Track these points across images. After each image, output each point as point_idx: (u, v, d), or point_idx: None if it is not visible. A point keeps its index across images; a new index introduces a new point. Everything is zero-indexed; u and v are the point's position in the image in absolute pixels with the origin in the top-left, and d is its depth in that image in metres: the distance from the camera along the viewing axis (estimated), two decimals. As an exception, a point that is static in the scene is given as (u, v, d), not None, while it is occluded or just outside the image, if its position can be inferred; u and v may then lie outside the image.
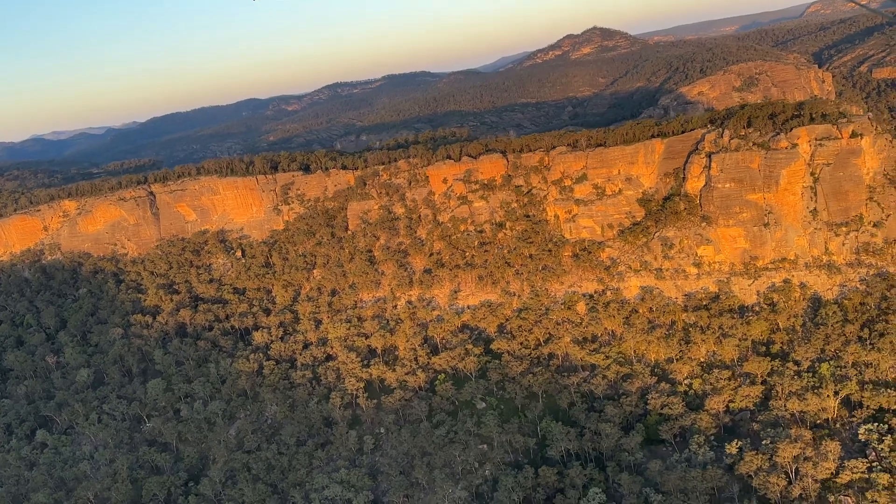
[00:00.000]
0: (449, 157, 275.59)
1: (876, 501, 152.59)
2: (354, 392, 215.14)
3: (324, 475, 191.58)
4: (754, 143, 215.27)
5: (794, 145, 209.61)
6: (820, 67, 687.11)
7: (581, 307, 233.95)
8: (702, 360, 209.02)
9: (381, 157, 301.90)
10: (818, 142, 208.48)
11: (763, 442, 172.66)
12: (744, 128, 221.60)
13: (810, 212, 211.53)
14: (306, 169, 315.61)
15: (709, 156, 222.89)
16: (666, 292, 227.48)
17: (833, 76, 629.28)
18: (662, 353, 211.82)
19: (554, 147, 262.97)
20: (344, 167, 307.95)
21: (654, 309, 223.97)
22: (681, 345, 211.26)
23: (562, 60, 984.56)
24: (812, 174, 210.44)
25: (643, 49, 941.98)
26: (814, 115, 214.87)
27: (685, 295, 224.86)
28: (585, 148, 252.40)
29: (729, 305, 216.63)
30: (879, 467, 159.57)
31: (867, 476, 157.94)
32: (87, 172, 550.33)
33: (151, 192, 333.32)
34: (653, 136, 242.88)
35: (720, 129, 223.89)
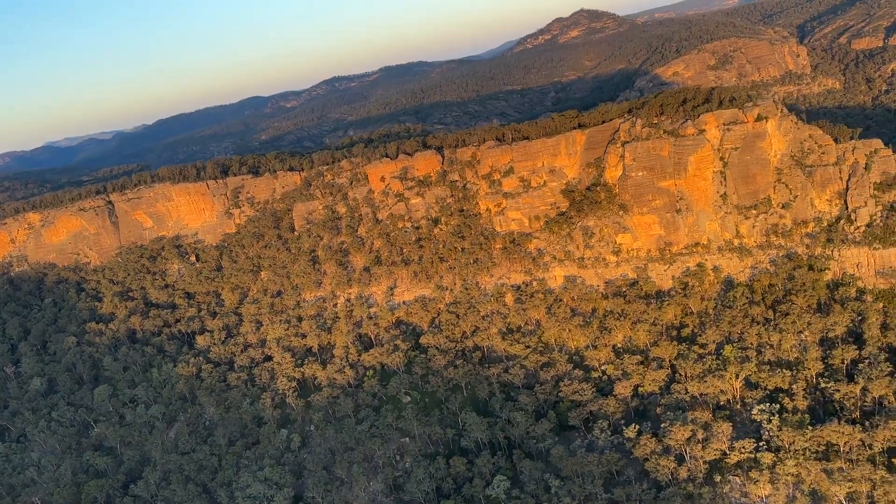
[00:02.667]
0: (386, 156, 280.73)
1: (757, 480, 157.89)
2: (285, 392, 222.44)
3: (249, 474, 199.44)
4: (665, 131, 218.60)
5: (702, 131, 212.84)
6: (803, 39, 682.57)
7: (509, 298, 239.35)
8: (619, 345, 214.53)
9: (326, 157, 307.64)
10: (726, 126, 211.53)
11: (662, 425, 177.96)
12: (657, 116, 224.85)
13: (720, 196, 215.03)
14: (255, 172, 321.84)
15: (623, 145, 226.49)
16: (588, 280, 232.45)
17: (813, 48, 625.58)
18: (582, 341, 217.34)
19: (485, 141, 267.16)
20: (291, 169, 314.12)
21: (577, 297, 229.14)
22: (599, 332, 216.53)
23: (550, 45, 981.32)
24: (721, 159, 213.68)
25: (630, 29, 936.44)
26: (722, 101, 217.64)
27: (606, 282, 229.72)
28: (511, 142, 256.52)
29: (646, 291, 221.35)
30: (765, 447, 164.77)
31: (754, 456, 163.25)
32: (77, 181, 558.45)
33: (110, 202, 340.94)
34: (574, 128, 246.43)
35: (634, 119, 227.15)
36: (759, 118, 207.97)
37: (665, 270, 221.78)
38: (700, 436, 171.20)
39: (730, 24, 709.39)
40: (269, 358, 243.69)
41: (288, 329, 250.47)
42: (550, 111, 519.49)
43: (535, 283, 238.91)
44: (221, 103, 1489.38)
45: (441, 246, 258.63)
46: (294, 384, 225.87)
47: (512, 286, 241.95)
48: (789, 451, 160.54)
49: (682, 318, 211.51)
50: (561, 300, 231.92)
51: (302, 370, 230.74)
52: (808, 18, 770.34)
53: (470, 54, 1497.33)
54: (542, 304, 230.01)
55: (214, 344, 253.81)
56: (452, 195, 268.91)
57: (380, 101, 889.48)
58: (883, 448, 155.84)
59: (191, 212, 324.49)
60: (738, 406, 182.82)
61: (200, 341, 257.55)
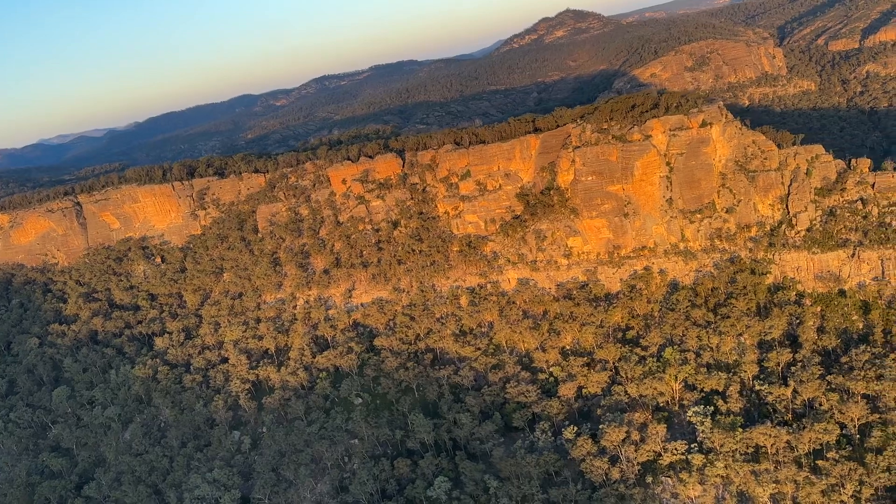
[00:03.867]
0: (347, 159, 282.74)
1: (686, 482, 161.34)
2: (238, 394, 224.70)
3: (199, 475, 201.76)
4: (613, 137, 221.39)
5: (648, 137, 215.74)
6: (783, 40, 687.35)
7: (464, 301, 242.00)
8: (567, 347, 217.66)
9: (290, 159, 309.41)
10: (672, 132, 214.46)
11: (600, 426, 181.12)
12: (606, 121, 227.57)
13: (667, 200, 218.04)
14: (221, 174, 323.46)
15: (574, 150, 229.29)
16: (540, 283, 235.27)
17: (792, 50, 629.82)
18: (532, 343, 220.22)
19: (444, 144, 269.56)
20: (256, 171, 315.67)
21: (528, 300, 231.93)
22: (549, 334, 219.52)
23: (536, 45, 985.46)
24: (668, 164, 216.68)
25: (615, 30, 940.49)
26: (669, 107, 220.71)
27: (557, 285, 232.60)
28: (469, 146, 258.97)
29: (595, 294, 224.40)
30: (697, 448, 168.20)
31: (685, 457, 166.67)
32: (59, 179, 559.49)
33: (78, 203, 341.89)
34: (529, 132, 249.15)
35: (584, 124, 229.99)
36: (703, 124, 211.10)
37: (614, 273, 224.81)
38: (635, 437, 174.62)
39: (709, 26, 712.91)
40: (225, 360, 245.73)
41: (246, 331, 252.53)
42: (533, 111, 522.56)
43: (489, 286, 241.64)
44: (213, 101, 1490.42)
45: (400, 248, 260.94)
46: (248, 386, 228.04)
47: (467, 288, 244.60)
48: (719, 452, 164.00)
49: (628, 320, 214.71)
50: (514, 302, 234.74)
51: (256, 372, 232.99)
52: (789, 19, 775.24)
53: (463, 52, 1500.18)
54: (494, 307, 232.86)
55: (172, 346, 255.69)
56: (413, 198, 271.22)
57: (365, 101, 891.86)
58: (809, 450, 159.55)
59: (157, 213, 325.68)
60: (677, 408, 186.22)
61: (159, 343, 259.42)
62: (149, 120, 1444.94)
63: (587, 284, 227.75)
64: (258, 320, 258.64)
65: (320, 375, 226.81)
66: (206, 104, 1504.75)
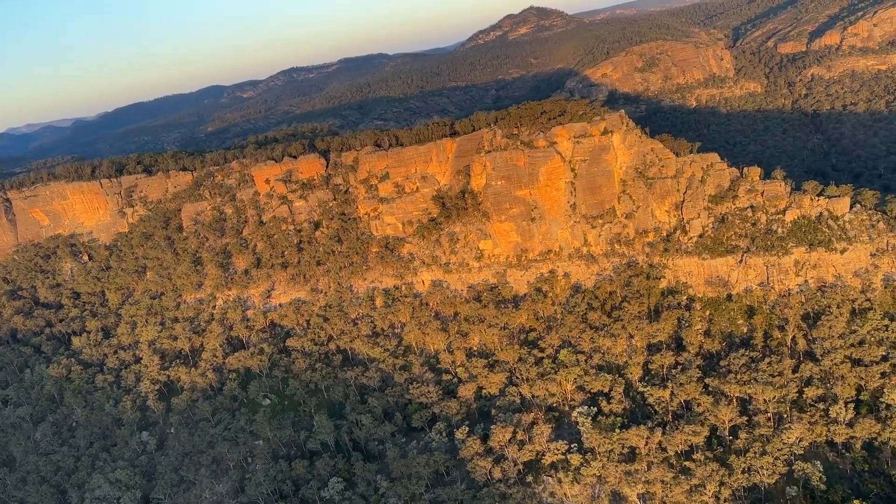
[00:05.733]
0: (271, 159, 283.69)
1: (562, 481, 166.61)
2: (147, 394, 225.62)
3: (102, 475, 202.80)
4: (521, 142, 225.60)
5: (553, 143, 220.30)
6: (737, 41, 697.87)
7: (379, 302, 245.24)
8: (474, 349, 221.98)
9: (218, 157, 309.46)
10: (576, 139, 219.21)
11: (491, 426, 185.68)
12: (516, 127, 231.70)
13: (571, 206, 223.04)
14: (150, 171, 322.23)
15: (486, 154, 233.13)
16: (452, 285, 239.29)
17: (743, 51, 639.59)
18: (440, 344, 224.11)
19: (366, 146, 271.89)
20: (184, 168, 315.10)
21: (441, 301, 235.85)
22: (457, 335, 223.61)
23: (500, 41, 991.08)
24: (573, 170, 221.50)
25: (577, 28, 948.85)
26: (575, 114, 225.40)
27: (469, 287, 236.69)
28: (388, 148, 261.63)
29: (503, 296, 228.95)
30: (576, 448, 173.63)
31: (565, 457, 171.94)
32: (9, 172, 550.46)
33: (7, 199, 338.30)
34: (446, 136, 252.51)
35: (495, 129, 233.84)
36: (605, 132, 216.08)
37: (522, 276, 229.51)
38: (521, 437, 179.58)
39: (663, 26, 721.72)
40: (139, 360, 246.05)
41: (161, 331, 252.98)
42: (491, 108, 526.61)
43: (404, 287, 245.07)
44: (182, 92, 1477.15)
45: (320, 249, 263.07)
46: (157, 387, 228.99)
47: (383, 290, 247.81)
48: (597, 453, 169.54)
49: (533, 322, 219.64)
50: (426, 304, 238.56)
51: (168, 373, 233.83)
52: (744, 20, 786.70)
53: (438, 46, 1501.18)
54: (407, 308, 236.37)
55: (89, 345, 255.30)
56: (335, 199, 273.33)
57: (326, 96, 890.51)
58: (679, 451, 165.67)
59: (86, 210, 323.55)
60: (567, 408, 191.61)
61: (76, 342, 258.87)
62: (116, 110, 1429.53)
63: (496, 286, 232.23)
64: (176, 320, 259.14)
65: (230, 376, 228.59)
66: (175, 95, 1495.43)
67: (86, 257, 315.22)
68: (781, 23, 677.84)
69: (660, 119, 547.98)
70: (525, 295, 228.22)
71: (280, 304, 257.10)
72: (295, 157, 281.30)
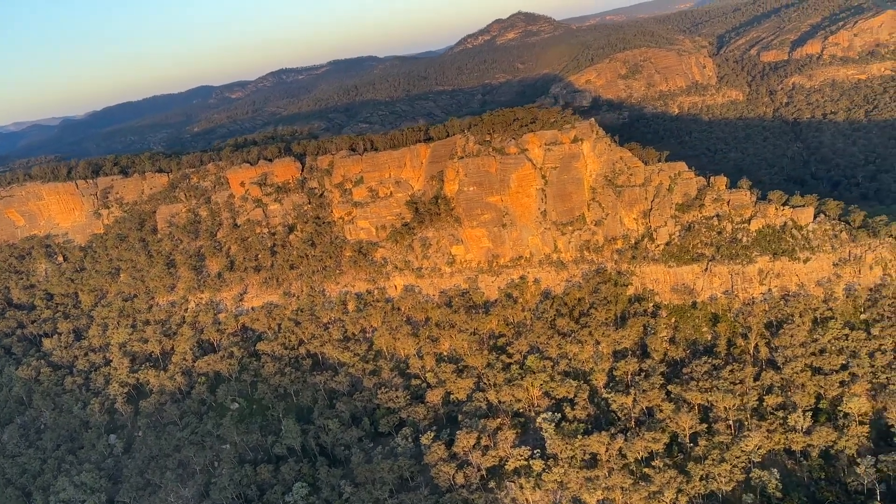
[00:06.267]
0: (246, 161, 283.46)
1: (523, 486, 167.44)
2: (115, 397, 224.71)
3: (67, 478, 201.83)
4: (494, 149, 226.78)
5: (524, 150, 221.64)
6: (720, 49, 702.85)
7: (352, 306, 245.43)
8: (444, 354, 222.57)
9: (194, 159, 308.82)
10: (547, 147, 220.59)
11: (458, 432, 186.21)
12: (489, 133, 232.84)
13: (541, 212, 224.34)
14: (126, 172, 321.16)
15: (459, 160, 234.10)
16: (424, 290, 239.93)
17: (726, 59, 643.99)
18: (410, 349, 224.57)
19: (341, 150, 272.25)
20: (160, 170, 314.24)
21: (413, 306, 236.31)
22: (427, 340, 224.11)
23: (488, 46, 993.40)
24: (543, 177, 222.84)
25: (563, 34, 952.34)
26: (546, 122, 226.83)
27: (440, 292, 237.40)
28: (363, 152, 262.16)
29: (474, 301, 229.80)
30: (539, 454, 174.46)
31: (528, 463, 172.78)
32: None
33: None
34: (420, 141, 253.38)
35: (468, 136, 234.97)
36: (575, 140, 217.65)
37: (493, 282, 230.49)
38: (486, 443, 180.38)
39: (648, 34, 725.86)
40: (109, 362, 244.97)
41: (133, 333, 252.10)
42: (477, 113, 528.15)
43: (376, 292, 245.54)
44: (171, 92, 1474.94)
45: (294, 253, 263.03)
46: (126, 390, 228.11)
47: (355, 294, 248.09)
48: (560, 458, 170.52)
49: (502, 328, 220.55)
50: (398, 309, 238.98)
51: (137, 376, 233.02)
52: (729, 29, 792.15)
53: (430, 49, 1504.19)
54: (379, 313, 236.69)
55: (60, 347, 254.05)
56: (310, 202, 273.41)
57: (314, 98, 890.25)
58: (640, 457, 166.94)
59: (61, 211, 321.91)
60: (533, 414, 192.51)
61: (47, 344, 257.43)
62: (105, 109, 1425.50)
63: (468, 292, 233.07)
64: (147, 323, 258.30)
65: (199, 380, 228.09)
66: (164, 95, 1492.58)
67: (60, 258, 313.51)
68: (765, 31, 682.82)
69: (642, 126, 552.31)
70: (496, 301, 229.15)
71: (252, 308, 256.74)
72: (270, 161, 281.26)
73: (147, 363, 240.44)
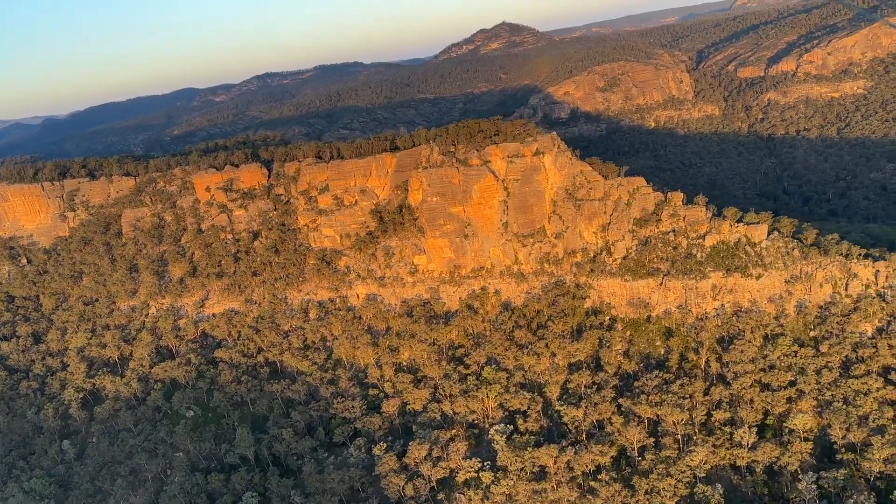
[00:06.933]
0: (212, 167, 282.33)
1: (471, 499, 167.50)
2: (69, 402, 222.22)
3: (16, 484, 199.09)
4: (457, 160, 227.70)
5: (487, 162, 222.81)
6: (699, 64, 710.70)
7: (313, 314, 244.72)
8: (404, 363, 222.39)
9: (161, 163, 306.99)
10: (509, 159, 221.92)
11: (410, 443, 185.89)
12: (453, 145, 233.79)
13: (503, 224, 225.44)
14: (93, 175, 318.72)
15: (423, 170, 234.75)
16: (387, 299, 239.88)
17: (704, 74, 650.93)
18: (370, 358, 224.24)
19: (308, 157, 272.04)
20: (127, 174, 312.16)
21: (374, 315, 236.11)
22: (387, 350, 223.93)
23: (472, 55, 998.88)
24: (506, 189, 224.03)
25: (546, 45, 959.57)
26: (509, 134, 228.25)
27: (402, 301, 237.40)
28: (329, 160, 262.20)
29: (435, 311, 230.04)
30: (489, 466, 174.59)
31: (477, 475, 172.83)
32: None
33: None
34: (386, 151, 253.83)
35: (433, 146, 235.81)
36: (537, 152, 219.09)
37: (454, 292, 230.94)
38: (438, 454, 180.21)
39: (627, 47, 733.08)
40: (67, 367, 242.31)
41: (91, 338, 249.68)
42: (457, 121, 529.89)
43: (338, 300, 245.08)
44: (155, 93, 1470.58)
45: (257, 260, 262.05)
46: (81, 395, 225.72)
47: (317, 302, 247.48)
48: (509, 471, 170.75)
49: (462, 338, 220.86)
50: (359, 318, 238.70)
51: (93, 381, 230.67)
52: (708, 44, 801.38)
53: (414, 56, 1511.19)
54: (340, 322, 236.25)
55: (17, 350, 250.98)
56: (276, 209, 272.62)
57: (296, 103, 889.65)
58: (587, 471, 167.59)
59: (27, 213, 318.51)
60: (487, 425, 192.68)
61: (4, 347, 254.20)
62: (88, 109, 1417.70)
63: (429, 302, 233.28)
64: (107, 327, 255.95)
65: (155, 386, 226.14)
66: (148, 96, 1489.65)
67: (24, 260, 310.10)
68: (743, 47, 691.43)
69: (619, 138, 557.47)
70: (456, 311, 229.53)
71: (213, 315, 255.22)
72: (237, 166, 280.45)
73: (105, 368, 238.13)
